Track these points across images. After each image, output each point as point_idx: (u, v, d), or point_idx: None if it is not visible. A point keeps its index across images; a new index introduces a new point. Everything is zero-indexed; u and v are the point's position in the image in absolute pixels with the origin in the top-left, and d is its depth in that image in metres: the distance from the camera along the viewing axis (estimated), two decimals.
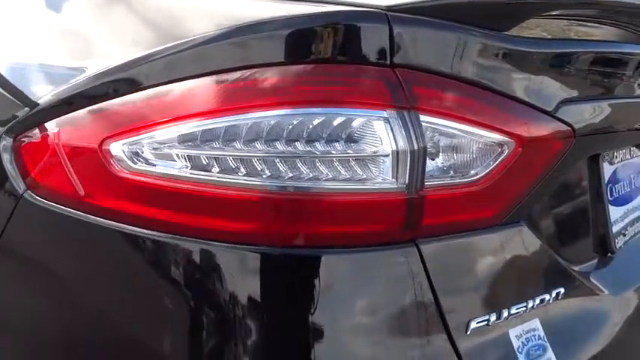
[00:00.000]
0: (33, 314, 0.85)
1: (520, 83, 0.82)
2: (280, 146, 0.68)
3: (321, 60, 0.69)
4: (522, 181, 0.82)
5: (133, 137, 0.72)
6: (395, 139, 0.69)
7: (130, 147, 0.72)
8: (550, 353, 0.82)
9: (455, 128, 0.74)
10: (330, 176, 0.68)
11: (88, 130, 0.76)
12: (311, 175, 0.68)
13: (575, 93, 0.91)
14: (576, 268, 0.99)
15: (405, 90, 0.69)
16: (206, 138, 0.70)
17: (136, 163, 0.72)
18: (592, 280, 1.01)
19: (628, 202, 1.21)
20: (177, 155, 0.71)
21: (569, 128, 0.87)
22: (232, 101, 0.70)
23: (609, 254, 1.09)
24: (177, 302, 0.74)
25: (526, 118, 0.81)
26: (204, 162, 0.70)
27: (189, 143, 0.70)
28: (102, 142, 0.73)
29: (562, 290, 0.88)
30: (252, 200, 0.70)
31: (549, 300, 0.86)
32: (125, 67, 0.76)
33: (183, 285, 0.73)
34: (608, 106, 1.01)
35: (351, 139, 0.68)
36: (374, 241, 0.72)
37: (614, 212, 1.13)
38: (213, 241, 0.71)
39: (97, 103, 0.76)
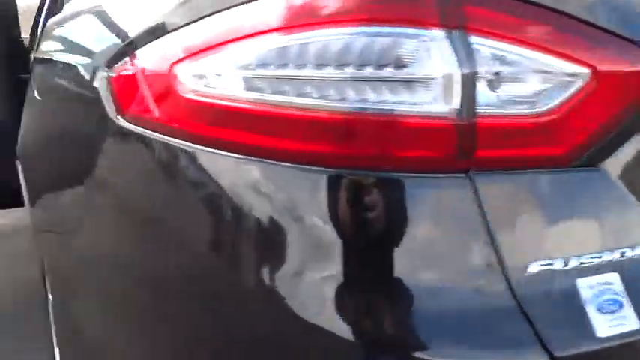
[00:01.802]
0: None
1: (602, 6, 0.74)
2: (332, 69, 0.69)
3: None
4: (598, 119, 0.74)
5: (198, 61, 0.77)
6: (443, 61, 0.66)
7: (195, 70, 0.77)
8: (628, 311, 0.74)
9: (517, 54, 0.69)
10: (379, 99, 0.68)
11: (162, 56, 0.82)
12: (358, 98, 0.68)
13: None
14: None
15: (456, 8, 0.66)
16: (265, 60, 0.72)
17: (200, 85, 0.76)
18: None
19: None
20: (239, 77, 0.73)
21: None
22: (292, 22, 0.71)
23: None
24: (252, 216, 0.74)
25: (607, 47, 0.73)
26: (269, 84, 0.72)
27: (250, 65, 0.72)
28: (171, 66, 0.79)
29: None
30: (303, 120, 0.71)
31: (633, 255, 0.77)
32: None
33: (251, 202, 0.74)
34: None
35: (399, 60, 0.67)
36: (428, 167, 0.70)
37: None
38: (280, 162, 0.72)
39: (170, 31, 0.82)
